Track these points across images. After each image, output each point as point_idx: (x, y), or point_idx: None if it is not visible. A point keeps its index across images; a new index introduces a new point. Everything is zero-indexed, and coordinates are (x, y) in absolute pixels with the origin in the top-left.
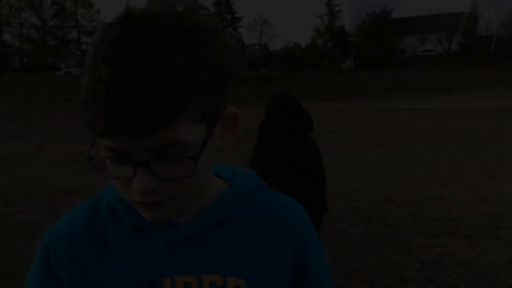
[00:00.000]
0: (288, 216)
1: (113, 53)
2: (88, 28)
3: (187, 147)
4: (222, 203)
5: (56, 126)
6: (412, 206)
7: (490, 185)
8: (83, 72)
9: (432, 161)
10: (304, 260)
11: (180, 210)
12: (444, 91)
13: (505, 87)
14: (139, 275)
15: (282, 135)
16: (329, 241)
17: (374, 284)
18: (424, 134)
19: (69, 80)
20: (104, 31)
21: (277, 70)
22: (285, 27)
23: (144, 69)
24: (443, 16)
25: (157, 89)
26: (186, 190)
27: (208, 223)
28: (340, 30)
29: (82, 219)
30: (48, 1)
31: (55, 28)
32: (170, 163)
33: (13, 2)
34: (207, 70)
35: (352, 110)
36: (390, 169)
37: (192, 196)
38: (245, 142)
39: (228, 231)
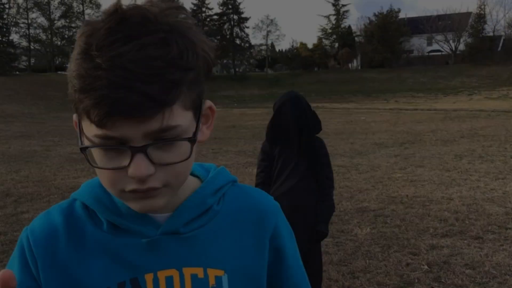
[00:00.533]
0: (262, 207)
1: (109, 42)
2: None
3: (181, 132)
4: (199, 198)
5: (64, 126)
6: (419, 207)
7: (498, 186)
8: (70, 65)
9: (439, 162)
10: (279, 247)
11: (169, 200)
12: (451, 91)
13: None
14: (120, 273)
15: (290, 135)
16: (336, 241)
17: (381, 284)
18: (431, 135)
19: None
20: (92, 25)
21: (283, 70)
22: (292, 27)
23: (144, 54)
24: (451, 16)
25: (158, 72)
26: (179, 176)
27: (187, 217)
28: (347, 30)
29: (58, 220)
30: (55, 1)
31: (62, 28)
32: (165, 149)
33: (21, 3)
34: (198, 61)
35: (359, 110)
36: (397, 170)
37: (182, 184)
38: (252, 142)
39: (205, 224)
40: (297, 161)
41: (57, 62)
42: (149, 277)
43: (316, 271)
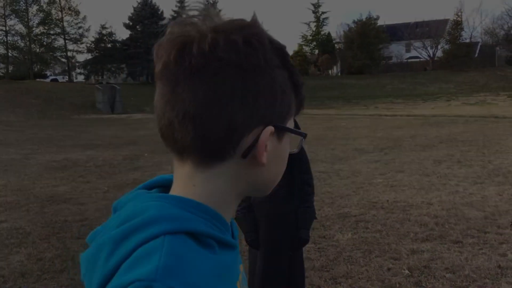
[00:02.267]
0: None
1: None
2: (74, 35)
3: None
4: None
5: (43, 134)
6: (399, 212)
7: (476, 190)
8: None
9: (418, 167)
10: None
11: None
12: (429, 97)
13: (490, 93)
14: (232, 286)
15: None
16: (317, 247)
17: None
18: (411, 140)
19: (55, 88)
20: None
21: None
22: (272, 33)
23: None
24: (428, 23)
25: None
26: None
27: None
28: (327, 37)
29: (202, 253)
30: (33, 8)
31: (41, 35)
32: None
33: None
34: None
35: (340, 116)
36: (378, 175)
37: None
38: None
39: None
40: None
41: (36, 69)
42: (238, 284)
43: (299, 277)
